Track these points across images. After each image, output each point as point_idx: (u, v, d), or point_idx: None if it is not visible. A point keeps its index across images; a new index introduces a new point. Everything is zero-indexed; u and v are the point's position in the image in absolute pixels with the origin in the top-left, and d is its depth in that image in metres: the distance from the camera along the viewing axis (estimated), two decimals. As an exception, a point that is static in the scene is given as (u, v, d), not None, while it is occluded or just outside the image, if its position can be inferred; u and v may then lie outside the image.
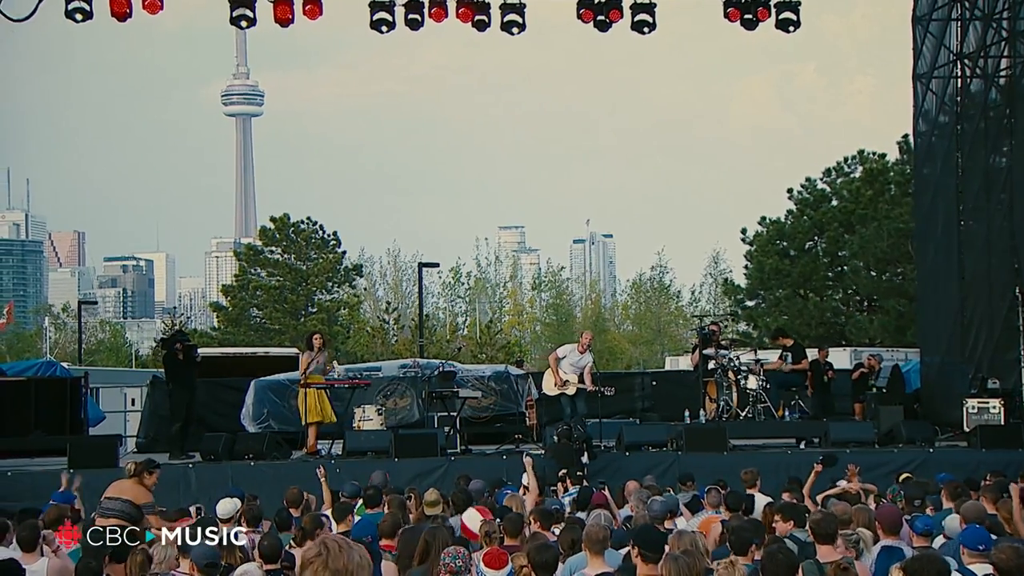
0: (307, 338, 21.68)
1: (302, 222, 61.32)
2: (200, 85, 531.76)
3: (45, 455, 21.50)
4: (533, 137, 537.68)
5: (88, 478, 16.36)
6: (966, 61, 25.05)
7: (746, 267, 50.30)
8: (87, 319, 72.94)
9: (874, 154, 47.29)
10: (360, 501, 15.45)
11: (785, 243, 48.29)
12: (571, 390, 21.36)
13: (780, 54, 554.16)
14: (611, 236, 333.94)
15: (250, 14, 21.80)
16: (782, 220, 48.87)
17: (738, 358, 22.30)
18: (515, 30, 23.06)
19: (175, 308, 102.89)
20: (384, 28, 22.54)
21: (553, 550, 9.71)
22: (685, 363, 39.96)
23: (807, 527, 10.46)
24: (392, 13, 22.18)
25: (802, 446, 20.87)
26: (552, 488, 16.30)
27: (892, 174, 45.49)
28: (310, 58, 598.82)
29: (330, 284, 61.64)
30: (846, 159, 48.23)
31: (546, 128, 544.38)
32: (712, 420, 21.58)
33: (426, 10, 22.34)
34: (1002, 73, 24.77)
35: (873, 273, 43.92)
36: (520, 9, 22.76)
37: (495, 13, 22.61)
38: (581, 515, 13.83)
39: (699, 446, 19.69)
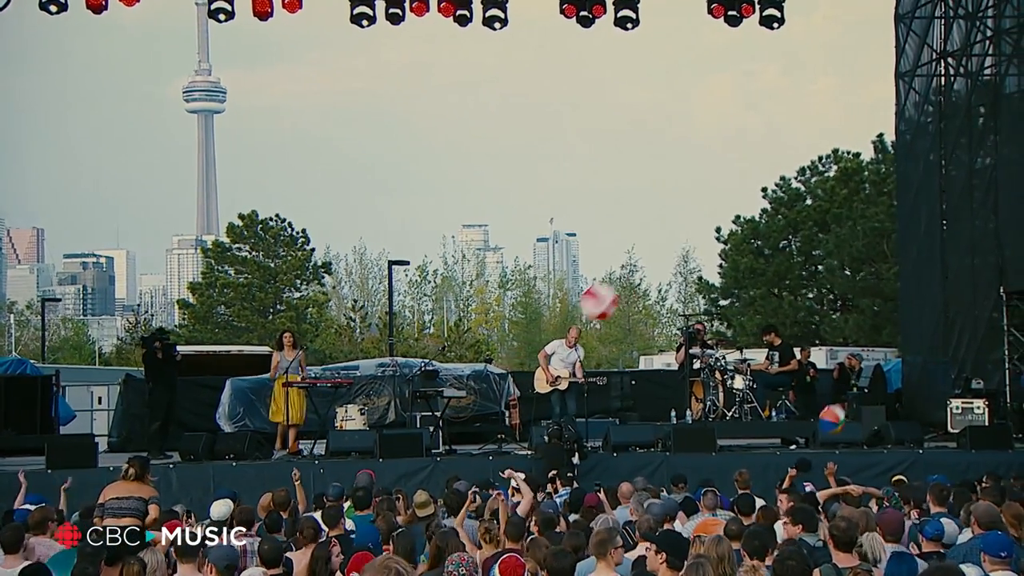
0: (278, 337, 21.38)
1: (271, 219, 60.87)
2: (162, 82, 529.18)
3: (16, 454, 21.16)
4: (497, 135, 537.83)
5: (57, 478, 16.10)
6: (949, 60, 24.95)
7: (720, 266, 50.21)
8: (48, 316, 72.23)
9: (848, 153, 47.31)
10: (347, 503, 15.29)
11: (760, 242, 48.21)
12: (563, 385, 21.06)
13: (743, 54, 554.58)
14: (575, 235, 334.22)
15: (228, 7, 21.49)
16: (757, 219, 48.80)
17: (724, 357, 22.10)
18: (497, 25, 22.76)
19: (139, 305, 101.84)
20: (364, 22, 22.26)
21: (571, 557, 9.47)
22: (660, 362, 40.02)
23: (825, 533, 10.24)
24: (372, 7, 21.90)
25: (792, 447, 20.67)
26: (545, 492, 16.05)
27: (866, 173, 45.44)
28: (272, 55, 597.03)
29: (298, 282, 61.12)
30: (820, 158, 48.25)
31: (510, 126, 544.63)
32: (698, 420, 21.39)
33: (407, 4, 22.03)
34: (986, 72, 24.65)
35: (848, 272, 43.81)
36: (503, 4, 22.49)
37: (477, 8, 22.29)
38: (573, 517, 13.63)
39: (687, 447, 19.48)
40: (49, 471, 17.47)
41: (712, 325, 46.27)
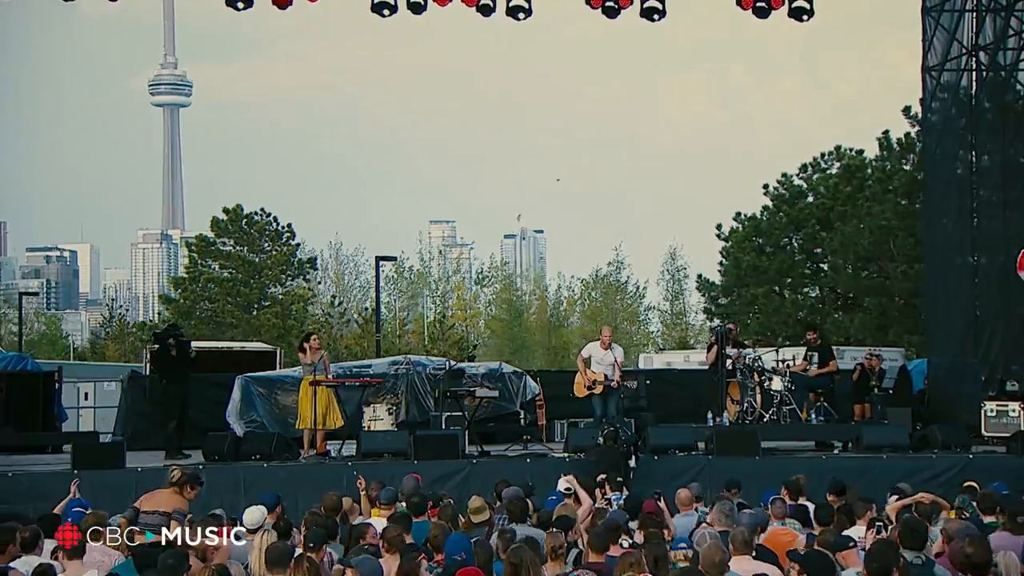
0: (302, 339, 20.76)
1: (255, 213, 60.01)
2: (127, 74, 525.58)
3: (19, 452, 20.58)
4: (464, 132, 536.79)
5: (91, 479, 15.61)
6: (981, 54, 24.43)
7: (721, 264, 49.70)
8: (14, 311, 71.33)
9: (851, 150, 46.84)
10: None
11: (761, 240, 47.77)
12: (599, 390, 20.46)
13: (708, 53, 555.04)
14: (542, 231, 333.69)
15: None
16: (758, 216, 48.32)
17: (760, 358, 21.56)
18: (521, 15, 22.28)
19: (114, 300, 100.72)
20: (386, 12, 21.84)
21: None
22: (660, 361, 39.51)
23: (960, 556, 9.60)
24: None
25: (835, 451, 20.09)
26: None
27: (870, 171, 44.98)
28: (239, 50, 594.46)
29: (283, 277, 60.28)
30: (823, 155, 47.72)
31: (478, 124, 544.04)
32: (735, 422, 20.82)
33: None
34: (1021, 66, 24.16)
35: (850, 270, 43.39)
36: None
37: None
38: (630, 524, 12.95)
39: (730, 450, 18.87)
40: (76, 471, 16.74)
41: (712, 322, 45.84)
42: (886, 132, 43.58)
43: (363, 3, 21.74)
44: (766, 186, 48.50)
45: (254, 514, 12.08)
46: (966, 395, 23.24)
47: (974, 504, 13.49)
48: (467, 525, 13.05)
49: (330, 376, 19.84)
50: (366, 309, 62.85)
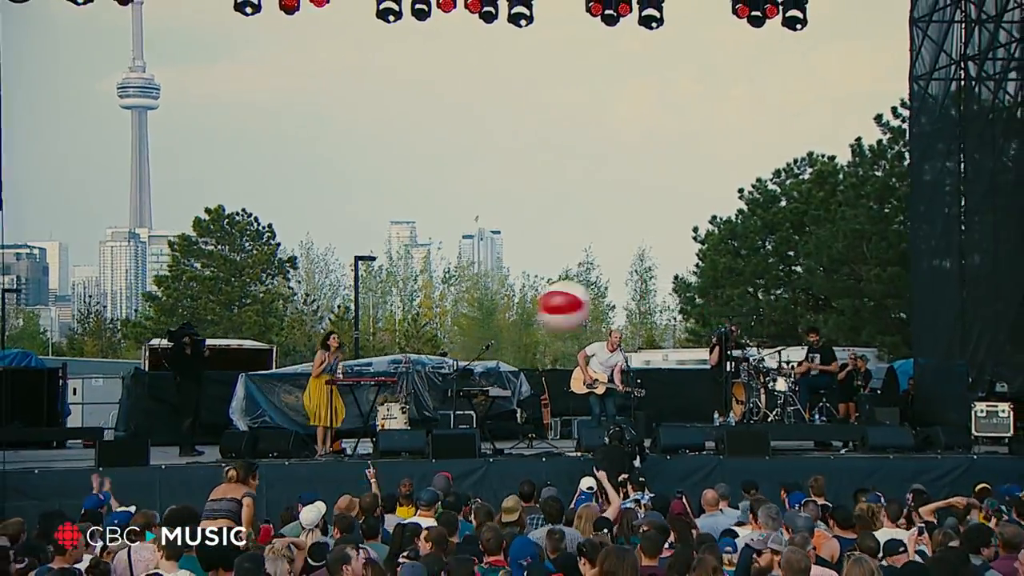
0: (323, 337, 20.32)
1: (237, 214, 59.55)
2: (96, 78, 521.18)
3: (24, 447, 20.08)
4: (422, 135, 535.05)
5: (114, 477, 15.07)
6: (970, 64, 24.30)
7: (697, 265, 49.62)
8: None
9: (823, 156, 46.95)
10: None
11: (736, 243, 47.65)
12: (600, 390, 20.09)
13: (660, 61, 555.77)
14: (499, 232, 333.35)
15: (255, 1, 20.82)
16: (734, 220, 48.29)
17: (764, 359, 21.31)
18: (523, 22, 22.26)
19: (91, 297, 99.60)
20: (391, 18, 21.69)
21: None
22: (639, 360, 39.23)
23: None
24: (399, 2, 21.41)
25: (842, 451, 19.83)
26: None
27: (842, 176, 45.05)
28: (206, 54, 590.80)
29: (264, 276, 59.82)
30: (796, 160, 47.98)
31: (437, 127, 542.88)
32: (740, 422, 20.55)
33: (433, 0, 21.55)
34: (1011, 76, 24.04)
35: (826, 273, 43.28)
36: (528, 1, 22.04)
37: (503, 5, 21.92)
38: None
39: (741, 450, 18.59)
40: (101, 468, 16.27)
41: (687, 323, 45.79)
42: (858, 139, 43.64)
43: (363, 9, 21.64)
44: (741, 190, 48.61)
45: (311, 513, 11.74)
46: (952, 396, 23.07)
47: (1002, 508, 13.27)
48: (498, 524, 12.66)
49: (339, 376, 19.40)
50: (338, 307, 62.66)
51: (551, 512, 12.82)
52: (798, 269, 46.64)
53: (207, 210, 59.09)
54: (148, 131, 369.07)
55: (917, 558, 10.68)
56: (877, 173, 42.54)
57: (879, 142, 42.94)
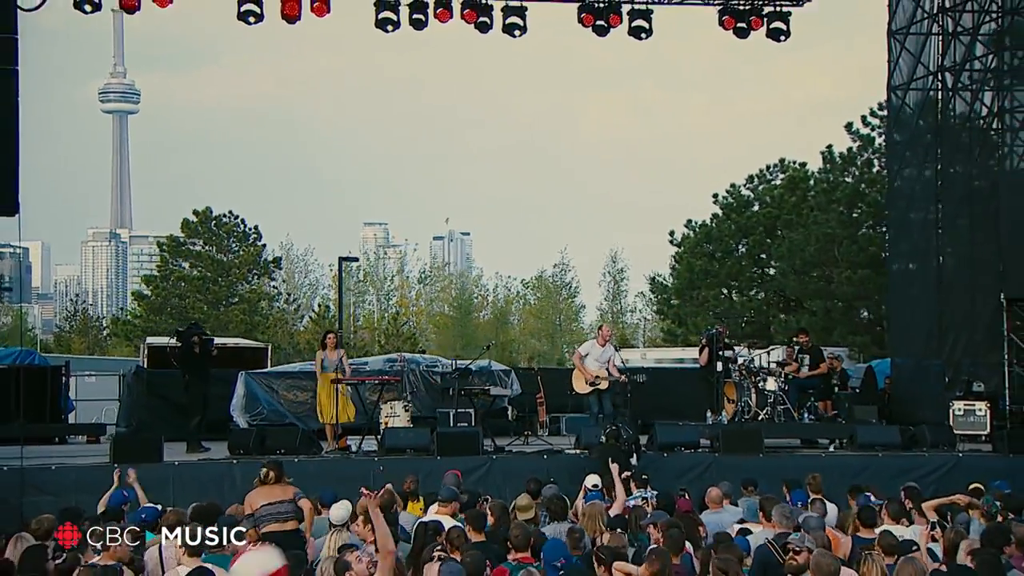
0: (321, 337, 20.19)
1: (224, 216, 59.24)
2: (78, 83, 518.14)
3: (29, 443, 19.65)
4: (398, 139, 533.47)
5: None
6: (947, 75, 24.30)
7: (674, 268, 49.64)
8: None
9: (794, 163, 47.05)
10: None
11: (712, 246, 47.66)
12: (603, 385, 19.97)
13: (626, 71, 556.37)
14: (468, 234, 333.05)
15: (257, 10, 20.82)
16: (709, 224, 48.34)
17: (753, 360, 21.21)
18: (516, 32, 22.37)
19: (77, 295, 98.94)
20: (389, 28, 21.72)
21: None
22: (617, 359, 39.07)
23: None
24: (397, 13, 21.49)
25: (831, 449, 19.73)
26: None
27: (812, 182, 45.14)
28: (184, 61, 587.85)
29: (250, 276, 59.57)
30: (768, 167, 48.15)
31: (410, 131, 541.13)
32: (732, 421, 20.46)
33: (431, 10, 21.65)
34: (988, 87, 24.05)
35: (793, 274, 43.32)
36: (522, 12, 22.22)
37: (497, 16, 22.06)
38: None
39: (736, 448, 18.44)
40: (116, 465, 16.02)
41: (665, 323, 45.81)
42: (829, 147, 43.81)
43: (358, 18, 21.64)
44: (715, 195, 48.64)
45: (340, 511, 11.56)
46: (928, 395, 23.09)
47: (996, 504, 13.16)
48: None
49: (346, 373, 19.18)
50: (319, 305, 62.46)
51: (555, 510, 12.69)
52: (771, 271, 46.69)
53: (195, 212, 58.90)
54: (129, 135, 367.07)
55: (928, 558, 10.58)
56: (847, 179, 42.73)
57: (849, 149, 43.10)
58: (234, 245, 59.31)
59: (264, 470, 11.37)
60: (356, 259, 54.50)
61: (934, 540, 11.23)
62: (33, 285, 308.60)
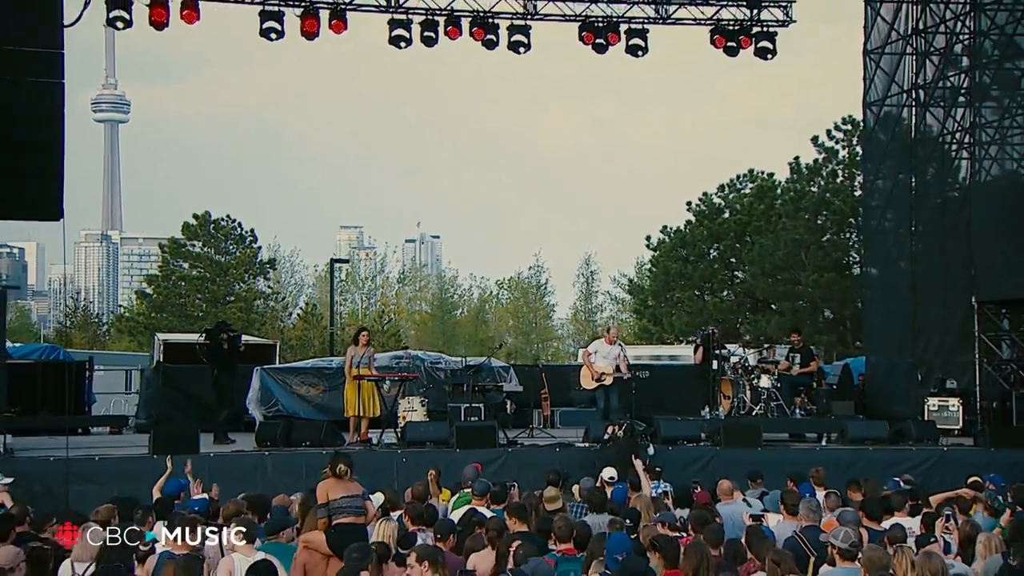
0: (354, 334, 19.90)
1: (222, 219, 59.03)
2: (72, 94, 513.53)
3: (51, 434, 19.50)
4: (372, 147, 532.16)
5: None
6: (920, 91, 24.35)
7: (650, 270, 49.67)
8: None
9: (763, 173, 47.17)
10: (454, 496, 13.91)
11: (685, 250, 47.68)
12: (609, 381, 19.83)
13: (584, 83, 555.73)
14: (439, 237, 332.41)
15: (279, 27, 20.85)
16: (683, 229, 48.35)
17: (747, 359, 21.12)
18: (521, 49, 22.48)
19: (79, 293, 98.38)
20: (402, 44, 21.77)
21: None
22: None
23: None
24: (409, 30, 21.56)
25: (823, 443, 19.64)
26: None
27: (780, 191, 45.26)
28: (172, 73, 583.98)
29: (247, 276, 59.34)
30: (738, 176, 48.39)
31: (384, 139, 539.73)
32: (728, 416, 20.36)
33: (441, 28, 21.77)
34: (958, 104, 24.10)
35: (762, 276, 43.36)
36: (526, 31, 22.35)
37: (503, 33, 22.21)
38: (680, 513, 12.22)
39: (736, 441, 18.30)
40: (154, 455, 15.90)
41: (642, 322, 45.80)
42: (796, 158, 43.92)
43: (377, 35, 21.72)
44: (689, 203, 48.80)
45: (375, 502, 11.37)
46: (899, 391, 23.11)
47: (999, 499, 13.05)
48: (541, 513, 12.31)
49: (373, 370, 18.94)
50: (305, 304, 62.21)
51: (595, 502, 12.50)
52: (741, 274, 46.77)
53: (195, 215, 58.73)
54: (119, 143, 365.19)
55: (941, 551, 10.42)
56: (813, 189, 42.81)
57: (815, 161, 43.19)
58: (231, 247, 59.11)
59: (340, 466, 11.03)
60: (347, 260, 54.24)
61: (947, 532, 11.14)
62: (28, 283, 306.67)
